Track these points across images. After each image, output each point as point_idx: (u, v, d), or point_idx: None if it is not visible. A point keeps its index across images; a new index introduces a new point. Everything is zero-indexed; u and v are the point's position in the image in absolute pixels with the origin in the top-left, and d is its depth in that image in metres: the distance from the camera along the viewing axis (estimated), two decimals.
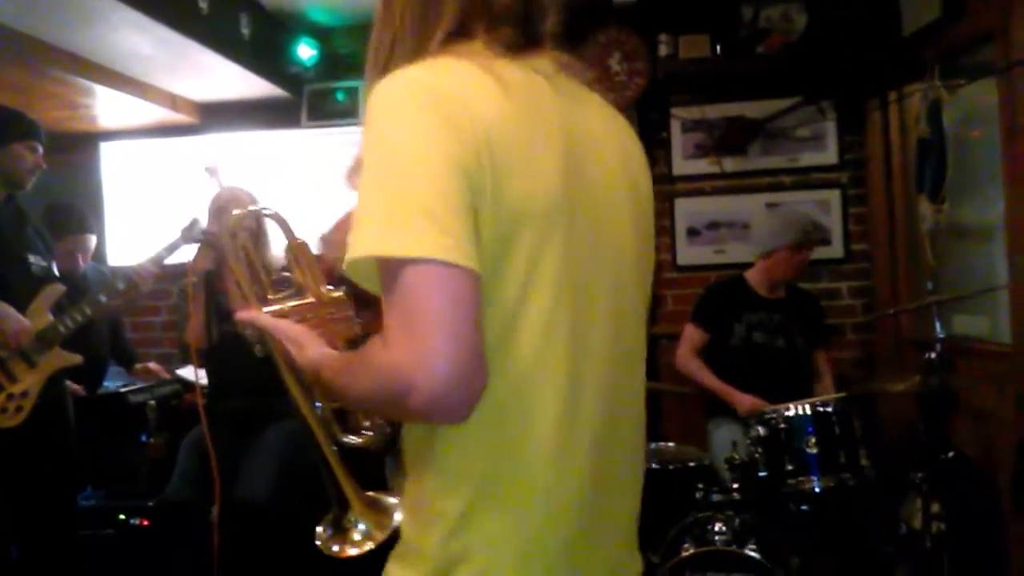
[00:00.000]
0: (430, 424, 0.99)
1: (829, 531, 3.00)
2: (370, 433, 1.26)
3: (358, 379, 0.98)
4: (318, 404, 1.24)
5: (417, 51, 1.02)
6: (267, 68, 4.16)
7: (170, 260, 3.07)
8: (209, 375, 2.73)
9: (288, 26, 4.32)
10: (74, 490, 3.26)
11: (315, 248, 1.29)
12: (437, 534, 0.99)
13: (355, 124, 4.49)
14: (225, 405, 2.68)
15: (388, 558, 1.06)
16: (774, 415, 2.81)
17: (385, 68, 1.02)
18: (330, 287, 1.22)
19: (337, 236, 0.99)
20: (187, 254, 3.07)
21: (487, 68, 0.98)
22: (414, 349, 0.87)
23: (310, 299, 1.20)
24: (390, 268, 0.90)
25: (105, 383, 3.82)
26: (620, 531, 1.13)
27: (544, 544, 1.00)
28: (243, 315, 1.19)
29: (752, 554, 2.53)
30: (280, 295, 1.21)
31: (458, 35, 1.03)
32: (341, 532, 1.22)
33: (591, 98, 1.12)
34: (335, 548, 1.21)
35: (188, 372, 3.90)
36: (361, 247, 0.91)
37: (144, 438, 3.47)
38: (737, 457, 2.76)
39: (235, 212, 1.29)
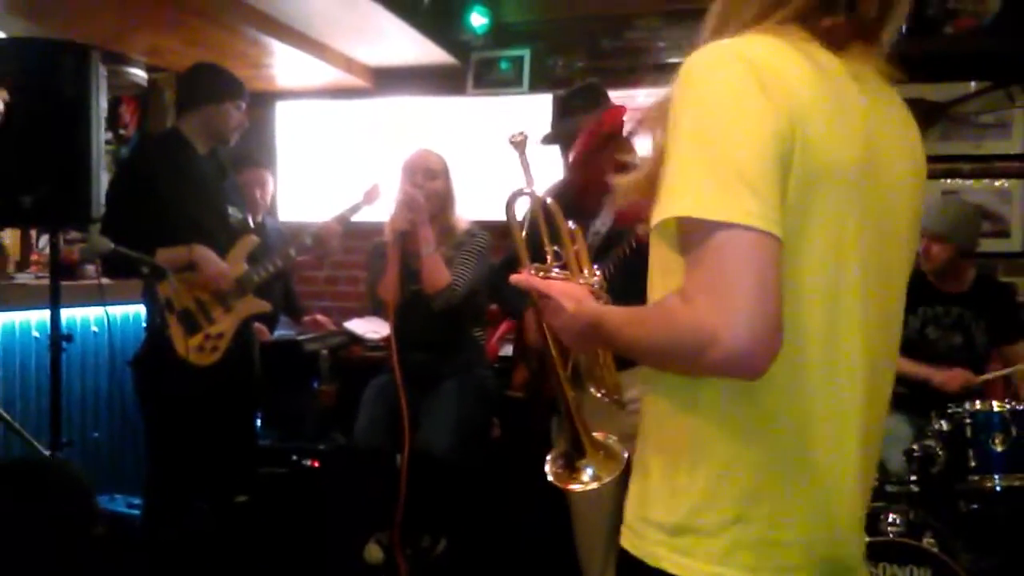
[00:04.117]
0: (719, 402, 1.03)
1: (1001, 531, 2.90)
2: (614, 396, 1.33)
3: (652, 331, 1.00)
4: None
5: (732, 27, 1.06)
6: (440, 34, 4.25)
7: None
8: (393, 330, 2.85)
9: None
10: (255, 428, 3.47)
11: None
12: (723, 512, 1.02)
13: (518, 93, 4.55)
14: (406, 358, 2.79)
15: (655, 541, 1.07)
16: (960, 410, 2.73)
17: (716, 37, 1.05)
18: (595, 268, 1.30)
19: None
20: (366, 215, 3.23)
21: (801, 49, 1.01)
22: (718, 310, 0.90)
23: (572, 278, 1.27)
24: (700, 230, 0.93)
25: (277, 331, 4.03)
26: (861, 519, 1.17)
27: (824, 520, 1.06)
28: (518, 277, 1.26)
29: (930, 548, 2.48)
30: (547, 266, 1.29)
31: (774, 17, 1.05)
32: (570, 469, 1.27)
33: (893, 101, 1.13)
34: (559, 477, 1.27)
35: (355, 325, 4.08)
36: (676, 207, 0.95)
37: (315, 385, 3.64)
38: (916, 449, 2.70)
39: (521, 191, 1.35)
